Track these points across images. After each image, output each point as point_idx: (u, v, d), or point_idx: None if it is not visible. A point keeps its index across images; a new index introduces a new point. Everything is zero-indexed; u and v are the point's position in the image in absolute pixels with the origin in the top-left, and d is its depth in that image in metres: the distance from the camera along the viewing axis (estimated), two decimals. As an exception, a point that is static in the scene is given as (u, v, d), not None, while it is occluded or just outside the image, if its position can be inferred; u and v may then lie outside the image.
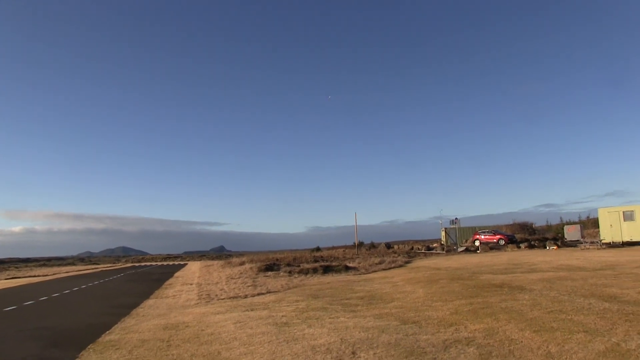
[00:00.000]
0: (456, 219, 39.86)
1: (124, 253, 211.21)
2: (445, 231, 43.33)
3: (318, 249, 52.88)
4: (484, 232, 37.18)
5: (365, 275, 19.04)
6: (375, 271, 20.63)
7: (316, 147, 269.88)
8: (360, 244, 46.80)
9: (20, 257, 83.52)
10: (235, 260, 32.72)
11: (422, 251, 37.94)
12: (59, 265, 59.17)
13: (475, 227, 42.01)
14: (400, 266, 22.57)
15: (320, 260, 27.65)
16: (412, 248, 42.26)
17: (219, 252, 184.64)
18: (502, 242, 35.08)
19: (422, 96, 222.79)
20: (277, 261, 26.01)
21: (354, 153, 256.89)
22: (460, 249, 35.59)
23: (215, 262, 42.86)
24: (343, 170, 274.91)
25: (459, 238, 40.27)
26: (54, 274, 33.83)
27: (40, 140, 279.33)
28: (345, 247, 53.56)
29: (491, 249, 33.71)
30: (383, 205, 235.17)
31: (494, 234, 36.40)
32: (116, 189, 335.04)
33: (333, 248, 56.38)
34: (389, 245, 47.87)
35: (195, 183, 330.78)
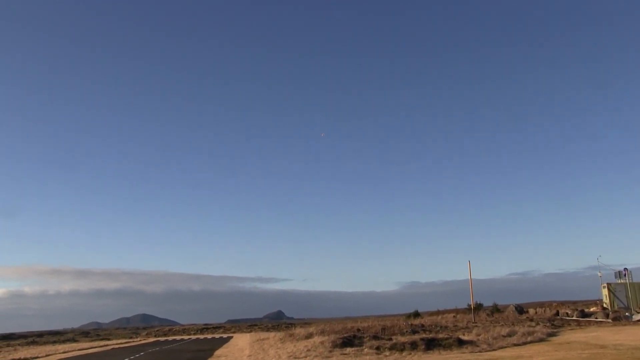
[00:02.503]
0: (625, 269, 38.80)
1: (145, 323, 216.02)
2: (608, 288, 41.54)
3: (417, 314, 52.81)
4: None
5: (489, 352, 18.68)
6: (502, 347, 20.35)
7: (410, 176, 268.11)
8: (479, 307, 46.11)
9: (1, 331, 77.99)
10: (299, 331, 32.82)
11: (574, 318, 36.95)
12: (54, 342, 56.48)
13: (659, 283, 40.14)
14: (542, 340, 22.38)
15: (421, 330, 27.69)
16: (557, 313, 41.43)
17: (277, 319, 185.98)
18: None
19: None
20: (359, 332, 26.03)
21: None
22: (636, 317, 33.83)
23: (272, 334, 43.31)
24: (448, 205, 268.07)
25: (632, 299, 38.50)
26: (46, 355, 33.87)
27: (33, 168, 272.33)
28: (457, 311, 52.67)
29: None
30: (510, 250, 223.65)
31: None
32: (135, 236, 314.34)
33: (438, 312, 56.06)
34: (520, 309, 47.04)
35: (244, 226, 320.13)
